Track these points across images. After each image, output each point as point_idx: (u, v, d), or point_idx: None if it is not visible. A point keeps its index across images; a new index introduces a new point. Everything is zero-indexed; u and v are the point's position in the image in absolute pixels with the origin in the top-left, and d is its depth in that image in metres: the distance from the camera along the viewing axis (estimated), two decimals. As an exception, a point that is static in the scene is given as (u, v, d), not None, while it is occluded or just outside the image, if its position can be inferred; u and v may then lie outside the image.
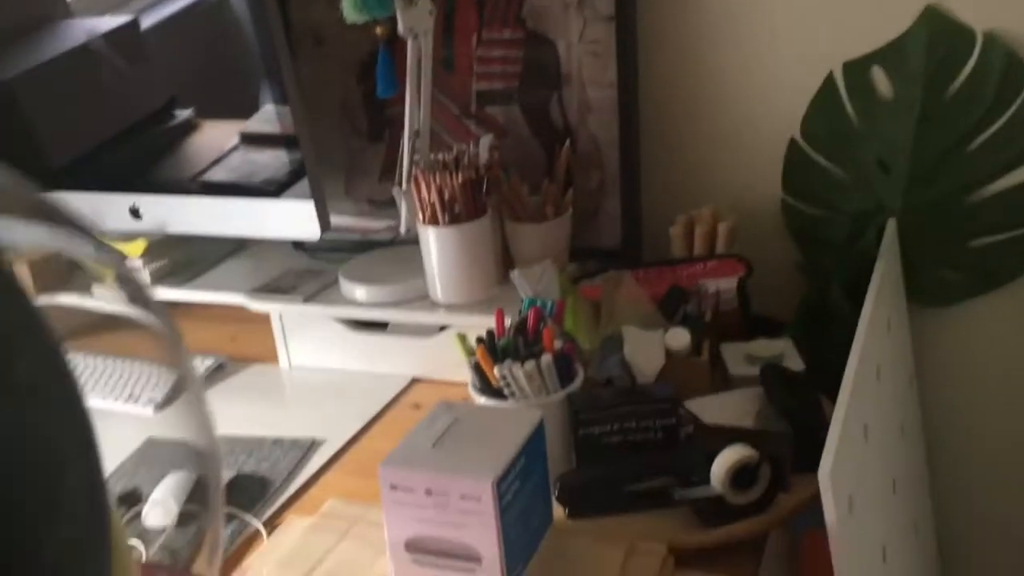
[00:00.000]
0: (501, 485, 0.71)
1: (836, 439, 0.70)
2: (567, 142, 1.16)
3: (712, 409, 0.90)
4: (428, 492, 0.71)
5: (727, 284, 1.03)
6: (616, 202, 1.19)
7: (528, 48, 1.19)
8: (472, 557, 0.72)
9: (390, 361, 1.18)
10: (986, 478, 1.20)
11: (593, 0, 1.14)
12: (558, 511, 0.83)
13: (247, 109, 1.46)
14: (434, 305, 1.13)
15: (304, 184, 1.25)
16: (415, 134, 1.14)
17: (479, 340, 0.88)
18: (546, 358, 0.84)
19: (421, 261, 1.13)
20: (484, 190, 1.11)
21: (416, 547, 0.74)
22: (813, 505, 0.84)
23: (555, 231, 1.13)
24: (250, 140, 1.47)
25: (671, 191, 1.22)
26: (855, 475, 0.75)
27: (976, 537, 1.23)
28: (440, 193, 1.07)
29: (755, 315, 1.08)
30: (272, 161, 1.43)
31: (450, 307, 1.11)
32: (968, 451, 1.20)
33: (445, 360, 1.11)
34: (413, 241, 1.15)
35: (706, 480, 0.81)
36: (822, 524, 0.87)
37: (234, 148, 1.49)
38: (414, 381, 1.17)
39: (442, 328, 1.14)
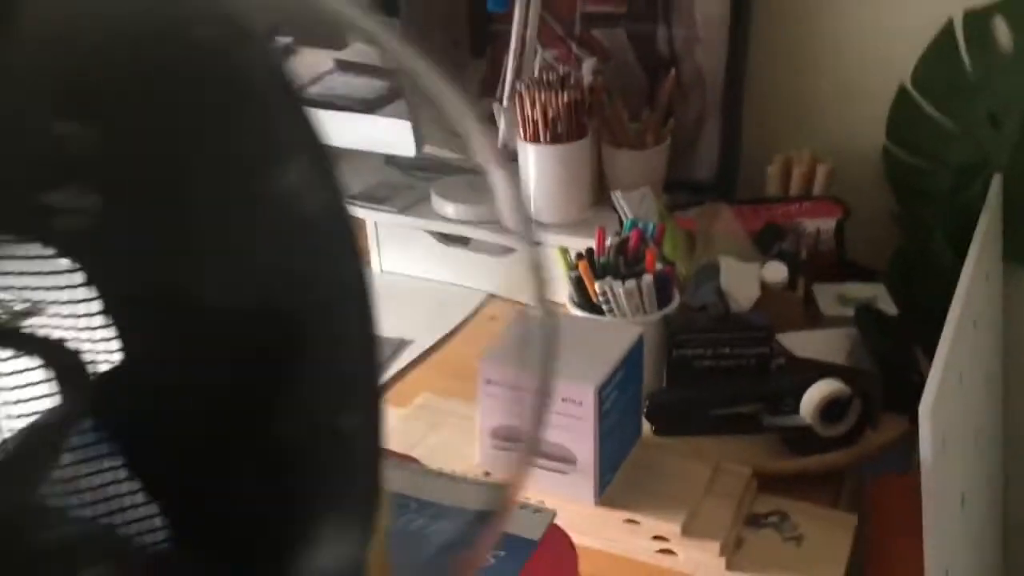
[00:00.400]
0: (603, 392, 0.73)
1: (937, 378, 0.71)
2: (672, 71, 1.16)
3: (803, 344, 0.91)
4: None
5: (824, 225, 1.03)
6: (715, 135, 1.19)
7: (635, -26, 1.18)
8: (566, 459, 0.75)
9: (474, 276, 1.20)
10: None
11: (713, -73, 1.12)
12: (645, 427, 0.84)
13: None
14: (526, 222, 1.14)
15: (401, 103, 1.26)
16: (521, 51, 1.14)
17: (579, 256, 0.90)
18: (647, 278, 0.86)
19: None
20: (586, 113, 1.11)
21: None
22: (898, 446, 0.85)
23: (653, 159, 1.13)
24: (346, 67, 1.48)
25: (770, 129, 1.21)
26: (949, 417, 0.76)
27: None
28: (544, 111, 1.08)
29: (848, 260, 1.08)
30: (367, 83, 1.44)
31: (543, 226, 1.13)
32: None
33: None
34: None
35: (794, 410, 0.82)
36: (893, 470, 0.88)
37: (329, 71, 1.50)
38: (490, 297, 1.19)
39: (532, 246, 1.16)
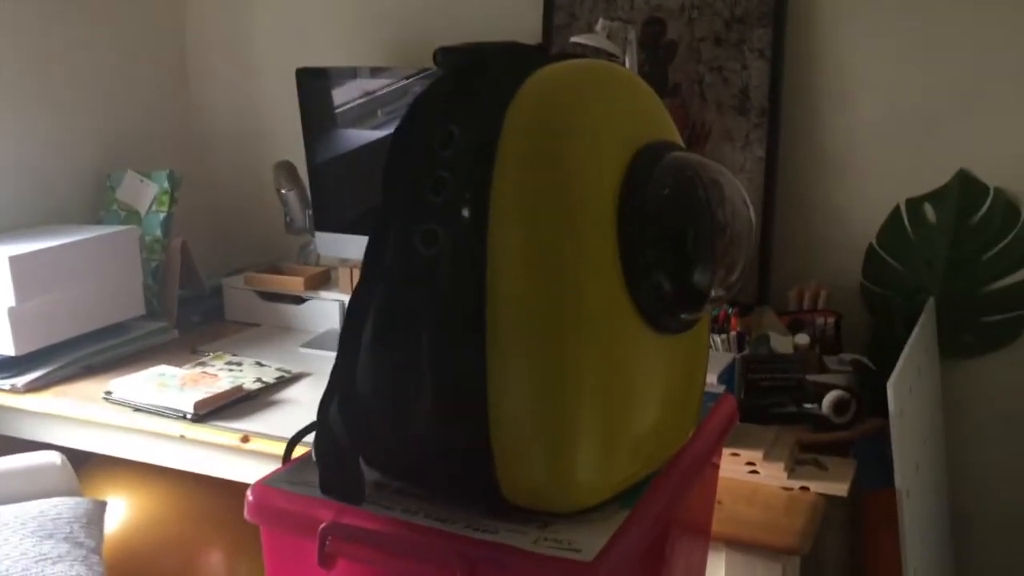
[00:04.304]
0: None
1: (899, 368, 1.34)
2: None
3: (819, 379, 1.54)
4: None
5: (829, 320, 1.69)
6: (754, 273, 1.86)
7: (706, 171, 1.89)
8: (700, 416, 1.36)
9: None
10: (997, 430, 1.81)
11: (752, 147, 1.85)
12: (733, 418, 1.46)
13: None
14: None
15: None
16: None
17: (689, 324, 1.54)
18: (732, 334, 1.50)
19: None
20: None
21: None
22: (878, 432, 1.47)
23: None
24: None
25: (789, 269, 1.89)
26: (905, 394, 1.38)
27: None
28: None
29: (842, 346, 1.73)
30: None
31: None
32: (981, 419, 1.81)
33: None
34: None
35: (818, 409, 1.45)
36: (878, 486, 1.48)
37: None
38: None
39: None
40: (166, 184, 2.08)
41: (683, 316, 0.84)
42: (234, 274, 2.21)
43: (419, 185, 0.80)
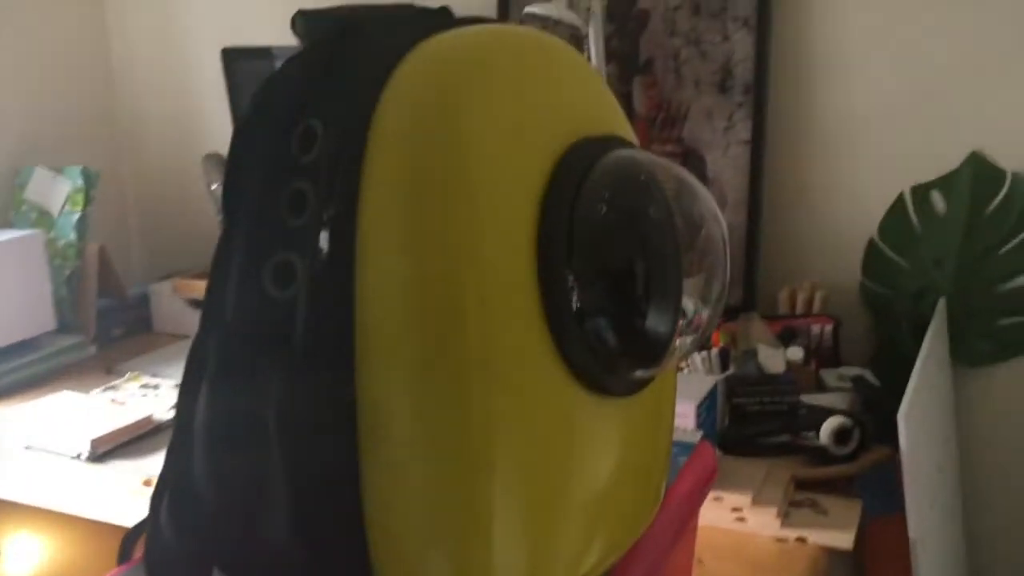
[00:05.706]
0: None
1: (908, 399, 1.13)
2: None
3: (816, 400, 1.33)
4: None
5: (827, 327, 1.48)
6: (739, 272, 1.65)
7: (684, 159, 1.67)
8: (675, 455, 1.15)
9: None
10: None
11: (736, 129, 1.63)
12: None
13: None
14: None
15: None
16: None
17: (665, 339, 1.33)
18: (714, 350, 1.29)
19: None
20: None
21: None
22: (886, 463, 1.26)
23: (698, 286, 1.59)
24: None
25: (778, 268, 1.67)
26: (918, 423, 1.17)
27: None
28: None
29: (840, 358, 1.52)
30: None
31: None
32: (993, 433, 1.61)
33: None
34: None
35: (815, 438, 1.24)
36: (889, 512, 1.28)
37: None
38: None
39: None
40: (80, 181, 1.85)
41: (637, 374, 0.62)
42: (164, 280, 1.99)
43: (271, 203, 0.58)
